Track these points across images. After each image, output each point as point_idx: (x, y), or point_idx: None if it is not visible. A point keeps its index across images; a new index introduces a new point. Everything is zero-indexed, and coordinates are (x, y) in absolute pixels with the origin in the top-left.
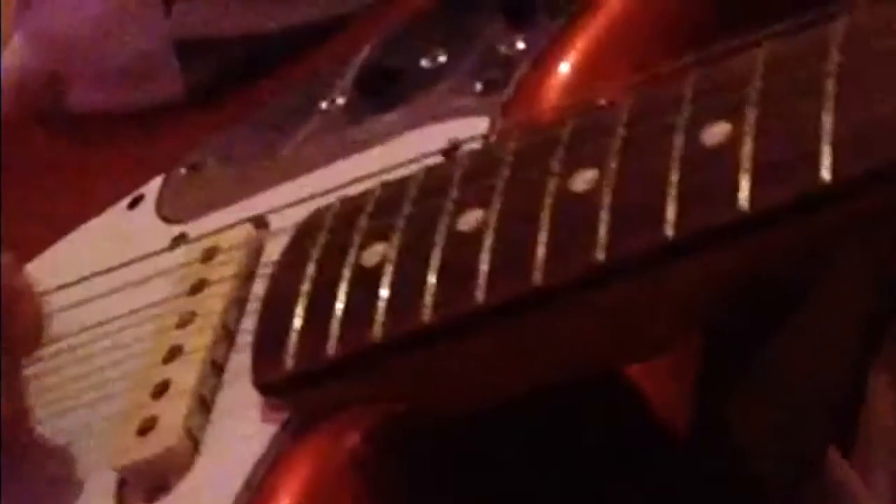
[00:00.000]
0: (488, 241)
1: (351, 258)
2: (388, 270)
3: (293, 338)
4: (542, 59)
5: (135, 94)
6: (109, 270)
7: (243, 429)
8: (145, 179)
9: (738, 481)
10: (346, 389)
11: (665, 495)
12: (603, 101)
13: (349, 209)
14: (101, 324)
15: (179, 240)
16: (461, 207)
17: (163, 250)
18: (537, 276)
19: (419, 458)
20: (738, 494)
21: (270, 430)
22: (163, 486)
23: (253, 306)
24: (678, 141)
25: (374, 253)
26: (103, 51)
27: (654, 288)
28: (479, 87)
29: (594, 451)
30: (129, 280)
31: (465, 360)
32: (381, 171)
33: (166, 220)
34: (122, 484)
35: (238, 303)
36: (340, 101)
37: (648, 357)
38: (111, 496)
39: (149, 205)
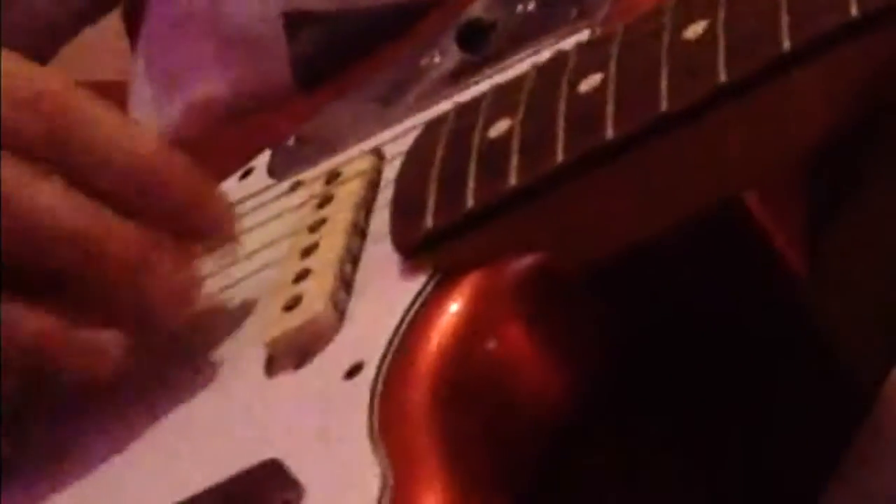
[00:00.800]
0: (611, 90)
1: (478, 133)
2: (517, 133)
3: (431, 198)
4: None
5: (246, 70)
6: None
7: (388, 293)
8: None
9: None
10: (486, 241)
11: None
12: None
13: (470, 104)
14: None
15: (296, 186)
16: (580, 74)
17: (284, 194)
18: (664, 104)
19: (564, 301)
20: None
21: (417, 285)
22: (310, 355)
23: (381, 206)
24: None
25: (500, 126)
26: (223, 23)
27: (780, 99)
28: (574, 13)
29: (717, 298)
30: (258, 221)
31: (599, 197)
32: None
33: (278, 178)
34: (270, 360)
35: (365, 206)
36: (437, 57)
37: (770, 175)
38: (261, 368)
39: (260, 172)
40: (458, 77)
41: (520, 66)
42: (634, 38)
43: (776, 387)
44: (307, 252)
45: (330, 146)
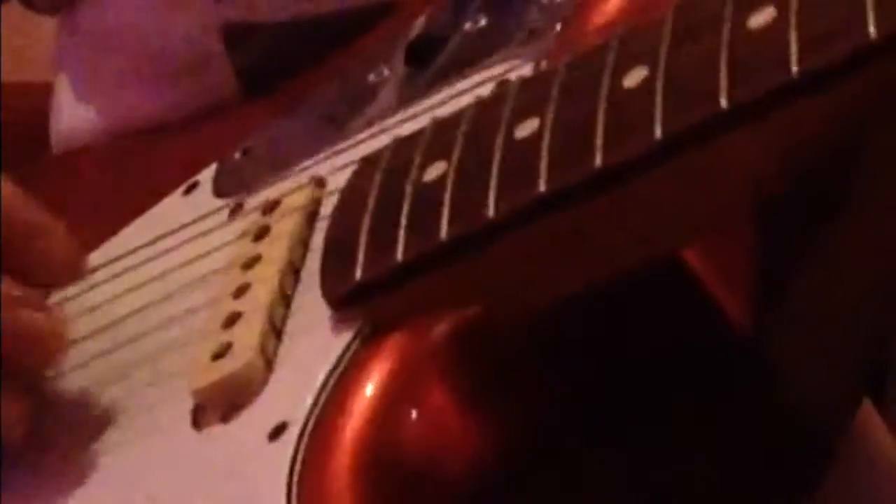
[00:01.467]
0: (546, 139)
1: (412, 176)
2: (451, 179)
3: (361, 249)
4: (584, 6)
5: (186, 85)
6: (174, 246)
7: (315, 343)
8: (199, 167)
9: (781, 397)
10: (416, 295)
11: (717, 394)
12: None
13: (407, 141)
14: (173, 291)
15: (237, 210)
16: (518, 116)
17: (225, 222)
18: (598, 158)
19: (495, 356)
20: (781, 409)
21: (343, 339)
22: (237, 406)
23: (317, 245)
24: (725, 28)
25: (435, 168)
26: (153, 40)
27: (714, 158)
28: (521, 36)
29: (653, 346)
30: (196, 250)
31: (524, 254)
32: (431, 110)
33: (222, 196)
34: (196, 410)
35: (302, 244)
36: (386, 71)
37: (707, 231)
38: (188, 419)
39: (205, 188)
40: (404, 100)
41: (462, 96)
42: (574, 79)
43: (719, 431)
44: (239, 292)
45: (276, 166)
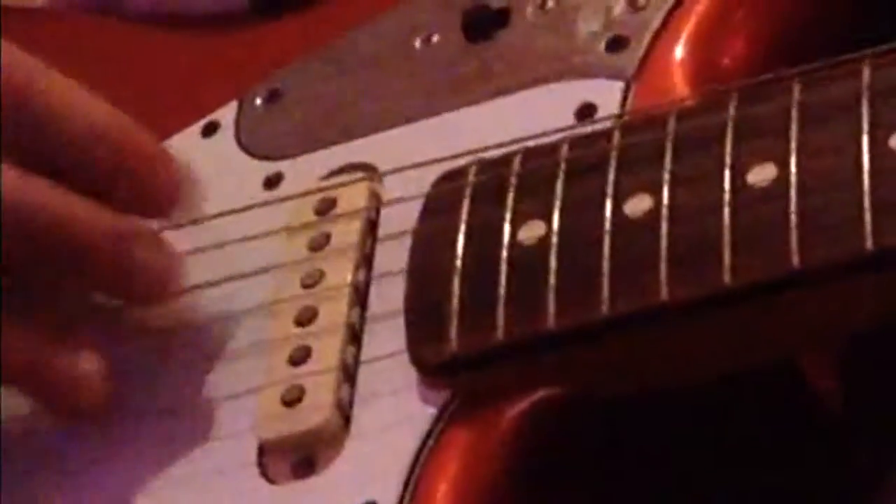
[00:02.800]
0: (664, 232)
1: (507, 234)
2: (553, 252)
3: (455, 318)
4: (670, 26)
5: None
6: (206, 218)
7: (398, 409)
8: (209, 92)
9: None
10: (507, 372)
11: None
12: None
13: (492, 179)
14: (210, 283)
15: (274, 181)
16: (625, 191)
17: (267, 201)
18: (727, 276)
19: (574, 440)
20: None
21: (429, 412)
22: (309, 461)
23: (382, 269)
24: (864, 141)
25: (533, 231)
26: None
27: (840, 296)
28: (602, 45)
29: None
30: (232, 231)
31: (635, 351)
32: (513, 140)
33: (251, 154)
34: (263, 452)
35: (365, 264)
36: (436, 38)
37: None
38: (254, 465)
39: (227, 134)
40: (454, 62)
41: (537, 95)
42: (688, 158)
43: None
44: (303, 318)
45: (315, 131)
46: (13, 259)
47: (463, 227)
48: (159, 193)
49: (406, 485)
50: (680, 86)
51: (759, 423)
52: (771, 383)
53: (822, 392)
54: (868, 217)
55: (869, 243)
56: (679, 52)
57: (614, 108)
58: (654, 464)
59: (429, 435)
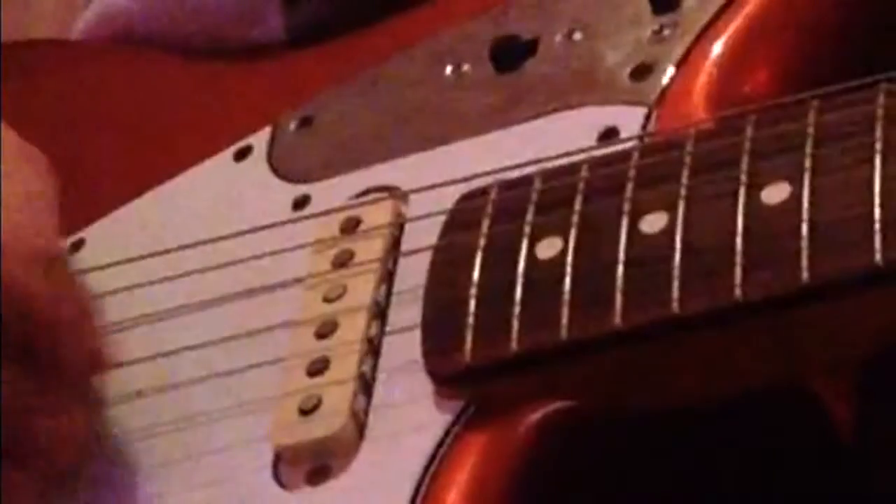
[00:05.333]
0: (678, 249)
1: (524, 250)
2: (569, 267)
3: (471, 329)
4: (693, 54)
5: (234, 31)
6: (232, 236)
7: (411, 418)
8: (242, 120)
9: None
10: (521, 383)
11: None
12: None
13: (512, 197)
14: (233, 295)
15: (302, 203)
16: (642, 208)
17: (292, 219)
18: (738, 291)
19: (587, 451)
20: None
21: (442, 421)
22: (324, 469)
23: (403, 285)
24: (878, 158)
25: (550, 247)
26: None
27: (851, 312)
28: (627, 71)
29: (761, 459)
30: (258, 248)
31: (646, 365)
32: (535, 161)
33: (282, 177)
34: (278, 460)
35: (386, 279)
36: (466, 67)
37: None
38: (269, 472)
39: (259, 158)
40: (483, 89)
41: (561, 119)
42: (704, 177)
43: None
44: (323, 331)
45: (344, 155)
46: None
47: (482, 243)
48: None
49: (417, 493)
50: (701, 112)
51: (773, 447)
52: (786, 410)
53: (836, 419)
54: (878, 233)
55: (878, 257)
56: (701, 80)
57: (636, 132)
58: (668, 480)
59: (441, 444)
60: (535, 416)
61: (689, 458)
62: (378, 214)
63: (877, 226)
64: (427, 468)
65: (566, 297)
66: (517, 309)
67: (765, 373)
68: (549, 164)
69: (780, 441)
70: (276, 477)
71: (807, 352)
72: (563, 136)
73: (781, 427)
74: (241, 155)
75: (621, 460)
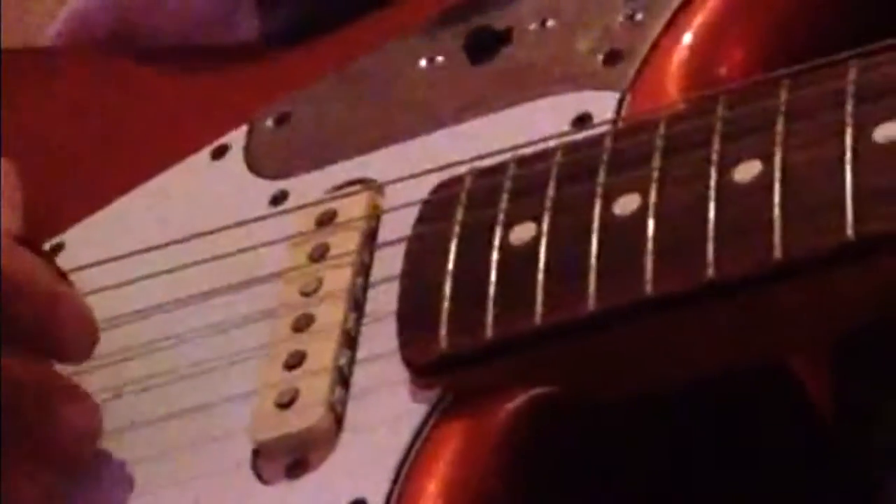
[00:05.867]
0: (651, 230)
1: (498, 236)
2: (542, 252)
3: (445, 317)
4: (665, 37)
5: (210, 35)
6: (209, 232)
7: (389, 408)
8: (219, 120)
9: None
10: (497, 370)
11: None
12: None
13: (486, 185)
14: (212, 291)
15: (280, 199)
16: (615, 191)
17: (268, 215)
18: (710, 271)
19: (564, 439)
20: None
21: (421, 410)
22: (303, 462)
23: (379, 275)
24: (849, 135)
25: (524, 232)
26: None
27: (825, 288)
28: (600, 57)
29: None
30: (235, 244)
31: (623, 348)
32: (510, 149)
33: (259, 174)
34: (257, 454)
35: (362, 271)
36: (441, 59)
37: (797, 353)
38: (248, 466)
39: (236, 156)
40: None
41: (534, 107)
42: (676, 157)
43: None
44: (300, 325)
45: (319, 150)
46: None
47: (457, 231)
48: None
49: (395, 482)
50: (674, 96)
51: (752, 427)
52: (764, 388)
53: (814, 398)
54: (849, 207)
55: (850, 232)
56: (674, 63)
57: (609, 116)
58: (647, 467)
59: (419, 433)
60: (513, 403)
61: (669, 443)
62: (354, 207)
63: (848, 201)
64: (404, 459)
65: (540, 282)
66: (491, 296)
67: (742, 352)
68: (524, 151)
69: (758, 422)
70: (256, 471)
71: (784, 329)
72: (537, 123)
73: (759, 408)
74: (219, 153)
75: (601, 446)
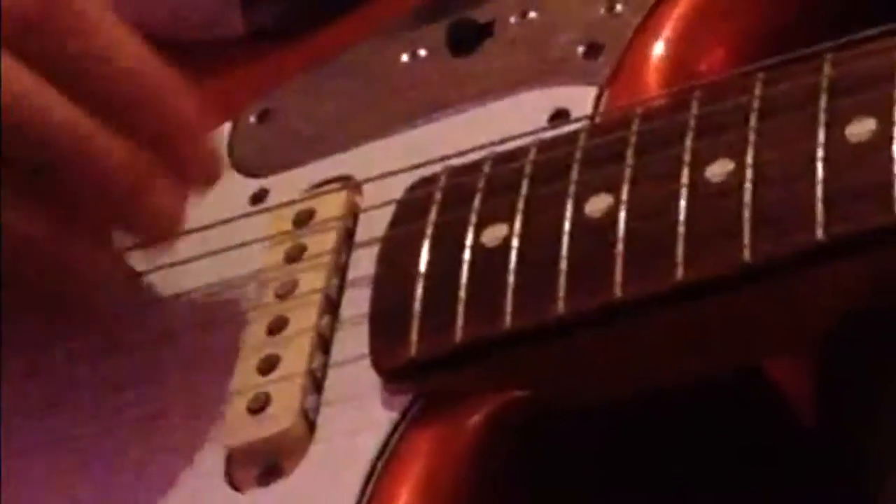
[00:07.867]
0: (621, 231)
1: (470, 237)
2: (513, 254)
3: (416, 322)
4: (645, 30)
5: (194, 33)
6: (190, 232)
7: (361, 413)
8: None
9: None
10: (469, 375)
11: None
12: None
13: (460, 183)
14: (188, 293)
15: (260, 197)
16: (587, 191)
17: (249, 213)
18: (679, 272)
19: (537, 445)
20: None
21: (391, 416)
22: (275, 468)
23: (354, 276)
24: (821, 133)
25: (495, 233)
26: None
27: (797, 290)
28: (580, 50)
29: (717, 446)
30: (215, 243)
31: (595, 352)
32: (485, 146)
33: (241, 171)
34: (230, 460)
35: (338, 272)
36: (423, 53)
37: (776, 355)
38: (221, 475)
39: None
40: (438, 74)
41: (512, 102)
42: (649, 155)
43: None
44: (273, 328)
45: (300, 147)
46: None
47: (429, 232)
48: (194, 166)
49: (366, 489)
50: (653, 89)
51: (732, 431)
52: (744, 392)
53: (796, 401)
54: (820, 208)
55: (820, 233)
56: (653, 56)
57: (587, 112)
58: (623, 472)
59: (389, 439)
60: (484, 409)
61: (646, 448)
62: (331, 206)
63: (818, 201)
64: (374, 466)
65: (510, 285)
66: (462, 299)
67: (715, 356)
68: (500, 149)
69: (737, 425)
70: (229, 478)
71: (755, 332)
72: (514, 119)
73: (739, 411)
74: None
75: (573, 451)
